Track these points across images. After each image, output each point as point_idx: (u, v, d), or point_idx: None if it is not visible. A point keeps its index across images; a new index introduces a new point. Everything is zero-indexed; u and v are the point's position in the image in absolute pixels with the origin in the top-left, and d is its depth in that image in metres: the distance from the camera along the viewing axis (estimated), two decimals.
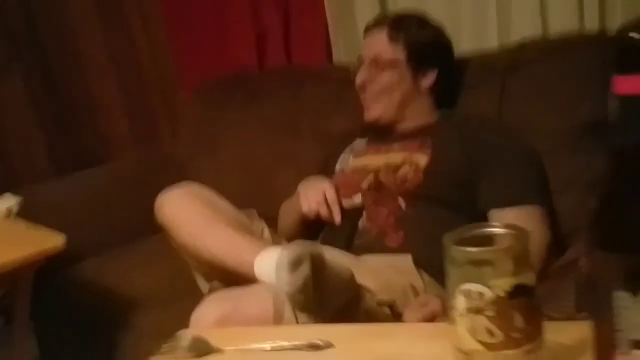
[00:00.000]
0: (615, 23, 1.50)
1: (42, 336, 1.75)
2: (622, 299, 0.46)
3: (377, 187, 1.45)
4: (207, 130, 2.02)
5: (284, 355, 0.71)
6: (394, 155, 1.46)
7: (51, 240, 1.32)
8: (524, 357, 0.53)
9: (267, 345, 0.72)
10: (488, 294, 0.52)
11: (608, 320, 0.46)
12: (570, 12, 1.53)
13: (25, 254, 1.28)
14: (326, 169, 1.58)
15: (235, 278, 1.22)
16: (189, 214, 1.30)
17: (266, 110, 1.89)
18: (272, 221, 1.53)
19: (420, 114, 1.51)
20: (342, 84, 1.66)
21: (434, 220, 1.33)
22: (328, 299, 1.04)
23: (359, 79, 1.51)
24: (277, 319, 1.03)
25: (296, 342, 0.71)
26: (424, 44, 1.49)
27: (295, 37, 2.01)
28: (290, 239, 1.51)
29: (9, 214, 1.55)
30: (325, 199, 1.43)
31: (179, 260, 1.41)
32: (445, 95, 1.55)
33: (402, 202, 1.40)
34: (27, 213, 1.54)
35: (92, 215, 1.88)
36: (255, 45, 2.07)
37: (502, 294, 0.52)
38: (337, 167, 1.57)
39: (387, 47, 1.48)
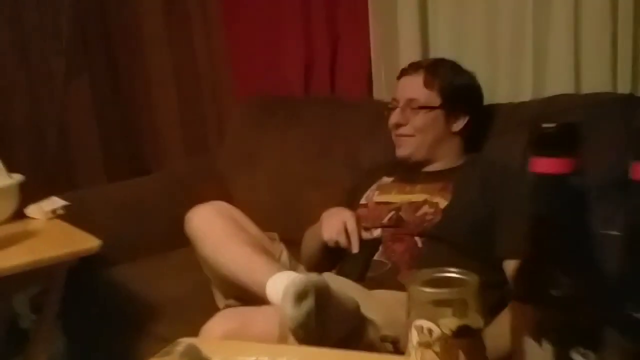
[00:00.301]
0: None
1: (70, 335, 1.85)
2: (530, 345, 0.50)
3: (397, 223, 1.49)
4: (247, 147, 2.13)
5: None
6: (417, 195, 1.51)
7: (86, 243, 1.42)
8: None
9: (251, 359, 0.78)
10: (436, 331, 0.57)
11: None
12: (603, 74, 1.54)
13: (60, 253, 1.39)
14: (352, 201, 1.63)
15: (250, 298, 1.29)
16: (213, 229, 1.38)
17: (303, 134, 1.98)
18: (294, 245, 1.60)
19: (448, 156, 1.57)
20: (377, 118, 1.72)
21: (448, 262, 1.33)
22: (330, 329, 1.08)
23: (393, 119, 1.58)
24: (281, 341, 1.09)
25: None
26: (458, 90, 1.55)
27: (340, 70, 2.11)
28: (310, 265, 1.58)
29: (53, 215, 1.67)
30: (346, 229, 1.48)
31: (201, 273, 1.49)
32: (474, 140, 1.59)
33: (419, 240, 1.44)
34: (74, 215, 1.65)
35: (133, 223, 1.99)
36: (304, 73, 2.18)
37: (448, 332, 0.57)
38: (362, 200, 1.62)
39: (423, 91, 1.55)
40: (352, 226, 1.48)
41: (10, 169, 1.67)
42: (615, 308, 0.42)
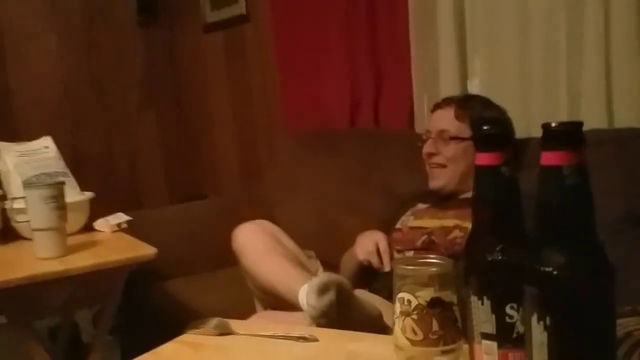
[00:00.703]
0: None
1: (125, 347, 2.01)
2: (475, 302, 0.62)
3: (429, 246, 1.58)
4: (292, 175, 2.29)
5: (276, 341, 0.91)
6: (448, 220, 1.60)
7: (144, 251, 1.58)
8: (437, 355, 0.69)
9: (269, 333, 0.91)
10: (414, 301, 0.69)
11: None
12: (635, 109, 1.60)
13: (121, 257, 1.55)
14: (388, 227, 1.73)
15: (287, 307, 1.41)
16: (255, 243, 1.53)
17: (344, 163, 2.12)
18: (330, 268, 1.69)
19: None
20: (415, 150, 1.82)
21: None
22: (350, 327, 1.19)
23: (426, 148, 1.68)
24: None
25: (291, 334, 0.91)
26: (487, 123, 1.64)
27: (383, 106, 2.25)
28: None
29: (118, 229, 1.85)
30: (378, 249, 1.60)
31: (245, 288, 1.63)
32: None
33: None
34: (135, 231, 1.81)
35: (187, 242, 2.16)
36: (349, 110, 2.33)
37: (423, 302, 0.69)
38: (398, 225, 1.72)
39: (454, 123, 1.64)
40: (384, 246, 1.59)
41: (83, 188, 1.88)
42: (530, 266, 0.53)
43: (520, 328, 0.60)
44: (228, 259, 1.77)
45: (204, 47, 3.17)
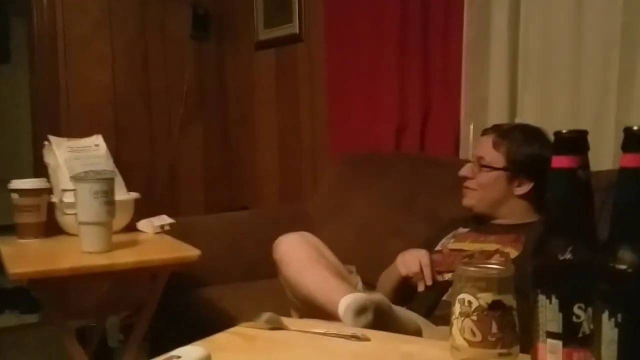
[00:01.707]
0: None
1: (154, 353, 2.02)
2: (542, 301, 0.62)
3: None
4: (337, 196, 2.31)
5: (329, 339, 0.91)
6: (490, 245, 1.60)
7: (188, 252, 1.60)
8: (494, 357, 0.69)
9: (322, 330, 0.92)
10: (475, 302, 0.69)
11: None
12: None
13: (166, 257, 1.58)
14: (429, 249, 1.73)
15: (326, 319, 1.41)
16: (298, 253, 1.54)
17: (389, 186, 2.13)
18: (370, 289, 1.69)
19: (514, 214, 1.64)
20: (459, 176, 1.84)
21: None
22: None
23: (462, 171, 1.72)
24: None
25: (343, 332, 0.91)
26: (523, 157, 1.62)
27: (430, 132, 2.26)
28: None
29: (161, 230, 1.89)
30: (420, 265, 1.60)
31: (282, 298, 1.63)
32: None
33: None
34: (175, 236, 1.86)
35: (225, 250, 2.19)
36: (395, 135, 2.35)
37: (484, 304, 0.69)
38: (438, 247, 1.72)
39: (490, 151, 1.65)
40: (425, 261, 1.60)
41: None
42: (603, 264, 0.53)
43: (586, 328, 0.60)
44: (266, 270, 1.78)
45: (255, 65, 3.23)
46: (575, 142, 0.67)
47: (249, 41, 3.21)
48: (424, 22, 2.23)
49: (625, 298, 0.51)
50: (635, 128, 0.56)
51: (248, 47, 3.23)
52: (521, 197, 1.63)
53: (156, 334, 2.05)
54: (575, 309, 0.61)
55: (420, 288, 1.57)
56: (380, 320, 1.19)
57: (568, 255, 0.62)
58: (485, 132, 1.74)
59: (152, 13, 3.20)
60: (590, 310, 0.59)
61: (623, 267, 0.51)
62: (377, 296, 1.27)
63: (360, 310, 1.18)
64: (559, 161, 0.66)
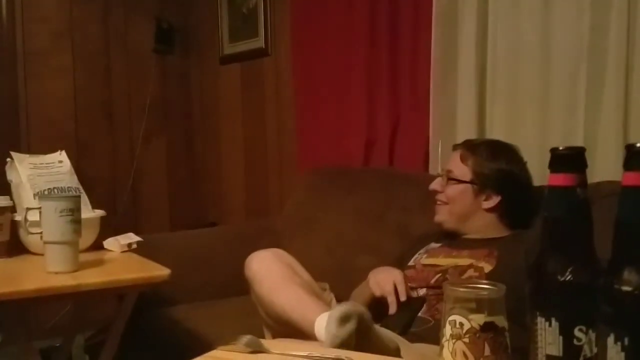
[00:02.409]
0: None
1: None
2: (541, 324, 0.61)
3: (443, 284, 1.58)
4: (306, 211, 2.29)
5: None
6: (463, 260, 1.60)
7: (158, 271, 1.55)
8: None
9: (304, 353, 0.89)
10: (467, 324, 0.67)
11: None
12: None
13: (135, 276, 1.53)
14: (401, 264, 1.73)
15: (299, 338, 1.39)
16: (271, 270, 1.51)
17: (359, 201, 2.12)
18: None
19: (483, 229, 1.66)
20: (429, 191, 1.84)
21: None
22: None
23: (432, 185, 1.74)
24: None
25: (327, 355, 0.88)
26: (489, 171, 1.65)
27: (399, 146, 2.27)
28: None
29: (128, 249, 1.83)
30: (394, 285, 1.58)
31: (254, 317, 1.60)
32: (516, 217, 1.67)
33: None
34: (141, 254, 1.81)
35: (193, 268, 2.13)
36: (364, 149, 2.34)
37: (476, 326, 0.67)
38: (410, 262, 1.72)
39: (458, 165, 1.69)
40: (400, 280, 1.58)
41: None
42: (608, 286, 0.53)
43: (587, 351, 0.59)
44: (236, 287, 1.76)
45: (220, 78, 3.20)
46: (573, 159, 0.66)
47: (214, 55, 3.18)
48: (392, 37, 2.25)
49: (632, 321, 0.50)
50: (638, 145, 0.56)
51: (213, 61, 3.19)
52: (489, 210, 1.65)
53: (123, 356, 1.99)
54: (576, 332, 0.60)
55: (392, 310, 1.56)
56: (362, 332, 1.17)
57: (568, 277, 0.61)
58: (455, 147, 1.76)
59: (114, 25, 3.14)
60: (591, 332, 0.58)
61: (629, 288, 0.51)
62: (357, 304, 1.25)
63: (344, 318, 1.16)
64: (556, 179, 0.66)
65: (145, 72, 3.21)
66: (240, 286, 1.61)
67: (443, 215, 1.71)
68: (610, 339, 0.52)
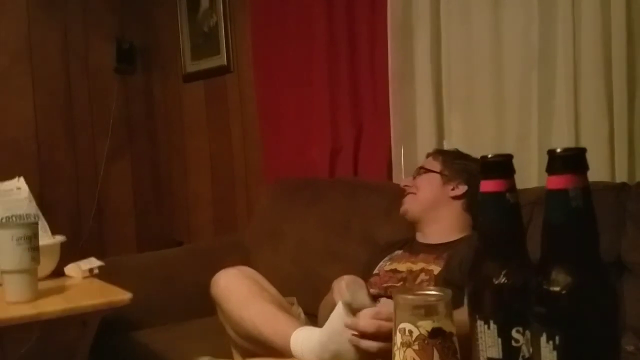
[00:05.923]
0: None
1: None
2: (481, 327, 0.62)
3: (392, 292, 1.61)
4: (272, 223, 2.28)
5: None
6: (417, 264, 1.66)
7: (119, 296, 1.54)
8: None
9: None
10: (415, 331, 0.68)
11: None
12: (602, 165, 1.66)
13: (95, 302, 1.51)
14: (367, 272, 1.75)
15: (269, 356, 1.38)
16: (239, 287, 1.51)
17: (324, 211, 2.13)
18: (312, 318, 1.67)
19: (446, 222, 1.71)
20: (394, 200, 1.85)
21: None
22: None
23: (402, 182, 1.83)
24: None
25: None
26: (457, 164, 1.74)
27: (363, 156, 2.29)
28: None
29: (90, 274, 1.81)
30: None
31: (222, 337, 1.58)
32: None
33: None
34: (105, 279, 1.78)
35: (160, 290, 2.11)
36: (329, 160, 2.36)
37: (424, 333, 0.68)
38: (375, 270, 1.74)
39: (429, 161, 1.79)
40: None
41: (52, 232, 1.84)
42: (538, 287, 0.54)
43: (525, 352, 0.60)
44: (203, 308, 1.74)
45: (184, 96, 3.19)
46: (501, 166, 0.68)
47: (177, 73, 3.17)
48: (351, 49, 2.27)
49: (562, 320, 0.51)
50: (558, 150, 0.57)
51: (176, 79, 3.18)
52: (455, 198, 1.71)
53: None
54: (514, 333, 0.62)
55: None
56: None
57: (502, 279, 0.63)
58: (428, 154, 1.85)
59: (74, 45, 3.11)
60: (528, 333, 0.59)
61: (557, 288, 0.52)
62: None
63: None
64: (487, 185, 0.68)
65: (108, 91, 3.18)
66: (207, 307, 1.60)
67: (409, 204, 1.75)
68: (543, 339, 0.53)
